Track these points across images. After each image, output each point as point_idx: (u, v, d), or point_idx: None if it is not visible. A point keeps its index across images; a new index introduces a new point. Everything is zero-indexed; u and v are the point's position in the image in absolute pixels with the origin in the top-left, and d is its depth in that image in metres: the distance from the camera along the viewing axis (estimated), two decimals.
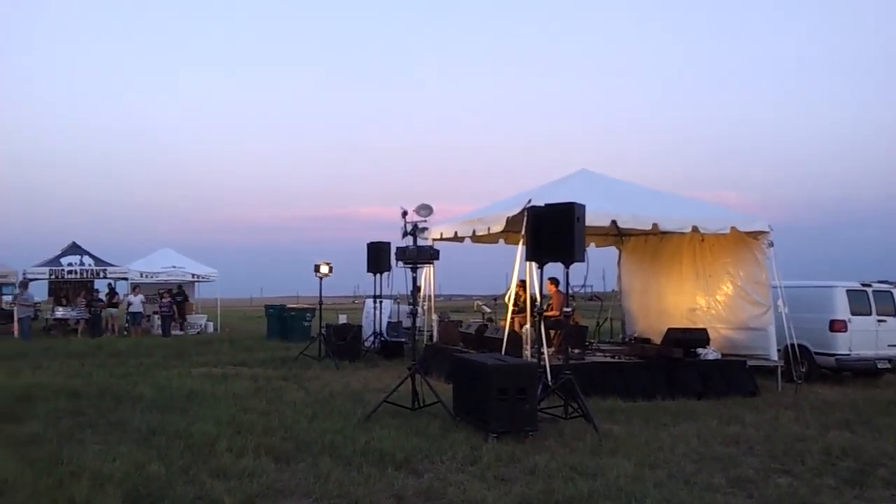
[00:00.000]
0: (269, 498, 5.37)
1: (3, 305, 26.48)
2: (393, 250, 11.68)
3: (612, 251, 16.45)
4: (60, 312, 24.99)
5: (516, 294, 11.78)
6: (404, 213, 13.41)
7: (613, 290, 17.45)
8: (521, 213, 10.37)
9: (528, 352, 10.69)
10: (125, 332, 23.88)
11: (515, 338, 11.21)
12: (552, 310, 12.41)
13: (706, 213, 12.30)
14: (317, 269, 16.18)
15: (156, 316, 25.00)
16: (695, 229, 11.77)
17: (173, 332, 24.36)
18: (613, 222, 11.50)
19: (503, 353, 10.46)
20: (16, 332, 22.30)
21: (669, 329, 12.06)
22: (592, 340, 14.24)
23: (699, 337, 11.85)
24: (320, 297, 16.32)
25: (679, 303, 14.11)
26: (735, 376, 11.41)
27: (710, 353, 11.68)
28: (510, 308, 11.55)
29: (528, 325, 11.01)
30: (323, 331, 16.23)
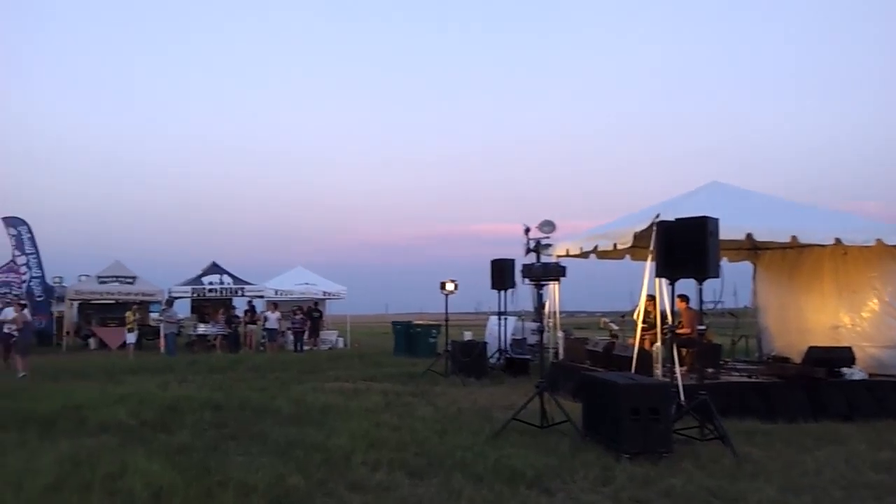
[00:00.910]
0: None
1: (151, 322, 28.29)
2: (517, 267, 11.66)
3: (746, 266, 15.79)
4: (202, 329, 26.44)
5: (646, 311, 11.50)
6: (527, 230, 13.34)
7: (746, 307, 16.74)
8: (650, 227, 10.15)
9: (658, 371, 10.43)
10: (262, 348, 24.98)
11: (645, 356, 10.95)
12: (683, 327, 12.04)
13: (849, 225, 11.60)
14: (442, 286, 16.41)
15: (289, 332, 26.01)
16: (837, 242, 11.13)
17: (304, 348, 25.27)
18: (749, 236, 11.04)
19: (633, 371, 10.25)
20: (162, 348, 23.83)
21: (811, 347, 11.42)
22: (727, 359, 13.68)
23: (843, 356, 11.16)
24: (446, 313, 16.51)
25: (820, 320, 13.34)
26: (885, 398, 10.66)
27: (855, 373, 10.98)
28: (639, 325, 11.29)
29: (658, 343, 10.74)
30: (449, 347, 16.38)
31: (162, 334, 23.83)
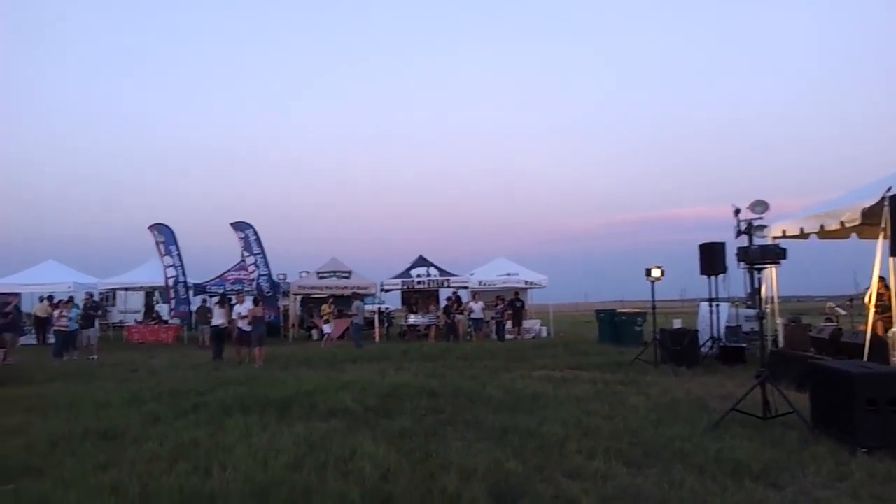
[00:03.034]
0: (625, 501, 5.43)
1: (365, 314, 29.93)
2: (732, 251, 11.11)
3: None
4: (412, 319, 27.68)
5: (878, 293, 10.56)
6: (737, 211, 12.69)
7: None
8: (881, 202, 9.32)
9: (895, 358, 9.56)
10: (468, 337, 25.67)
11: (879, 343, 10.06)
12: None
13: None
14: (648, 272, 15.97)
15: (493, 321, 26.48)
16: None
17: (508, 337, 25.63)
18: None
19: (865, 359, 9.47)
20: (376, 338, 25.25)
21: None
22: None
23: None
24: (653, 300, 16.09)
25: None
26: None
27: None
28: (871, 309, 10.38)
29: (894, 329, 9.84)
30: (657, 335, 15.97)
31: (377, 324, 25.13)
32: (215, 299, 23.13)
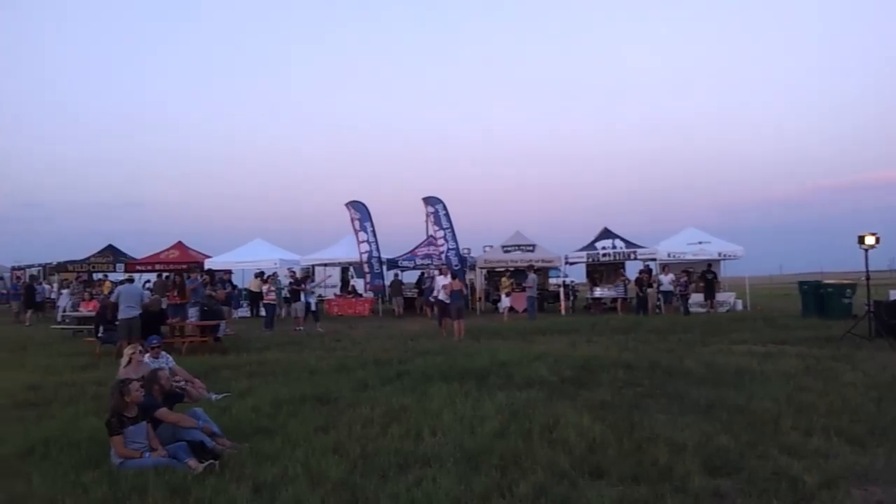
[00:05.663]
0: (852, 481, 5.14)
1: (550, 287, 30.00)
2: None
3: None
4: (598, 292, 27.35)
5: None
6: None
7: None
8: None
9: None
10: (658, 311, 25.01)
11: None
12: None
13: None
14: (861, 240, 14.76)
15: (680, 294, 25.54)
16: None
17: (699, 311, 24.64)
18: None
19: None
20: (562, 310, 25.20)
21: None
22: None
23: None
24: (867, 270, 14.91)
25: None
26: None
27: None
28: None
29: None
30: (871, 307, 14.78)
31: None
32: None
